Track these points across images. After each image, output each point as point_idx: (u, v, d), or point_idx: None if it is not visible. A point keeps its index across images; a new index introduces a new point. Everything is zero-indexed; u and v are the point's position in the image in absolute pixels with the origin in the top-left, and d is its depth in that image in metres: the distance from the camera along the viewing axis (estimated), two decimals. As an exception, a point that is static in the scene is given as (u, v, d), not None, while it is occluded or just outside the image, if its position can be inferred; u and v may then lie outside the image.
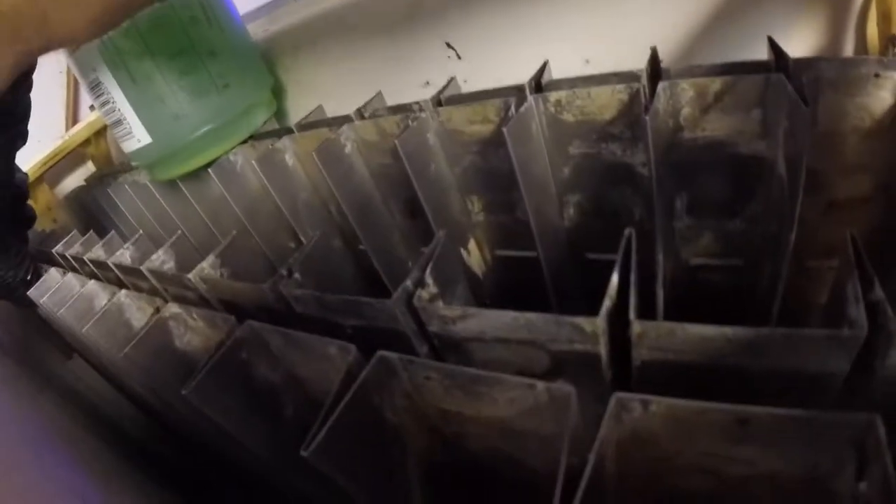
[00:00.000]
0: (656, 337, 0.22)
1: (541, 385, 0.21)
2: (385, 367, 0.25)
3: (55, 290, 0.55)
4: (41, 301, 0.55)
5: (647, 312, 0.23)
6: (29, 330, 0.84)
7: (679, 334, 0.21)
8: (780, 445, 0.19)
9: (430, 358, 0.29)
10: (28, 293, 0.58)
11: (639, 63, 0.31)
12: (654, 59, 0.31)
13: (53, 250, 0.65)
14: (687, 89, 0.29)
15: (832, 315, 0.25)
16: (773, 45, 0.29)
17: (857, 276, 0.21)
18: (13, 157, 0.50)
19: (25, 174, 0.59)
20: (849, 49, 0.41)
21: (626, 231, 0.26)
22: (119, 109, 0.47)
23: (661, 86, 0.28)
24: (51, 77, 0.97)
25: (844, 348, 0.20)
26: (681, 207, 0.33)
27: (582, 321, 0.22)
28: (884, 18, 0.37)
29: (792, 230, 0.26)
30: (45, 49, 0.35)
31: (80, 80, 0.49)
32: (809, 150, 0.24)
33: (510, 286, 0.40)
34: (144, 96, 0.46)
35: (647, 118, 0.27)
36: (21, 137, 0.47)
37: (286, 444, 0.33)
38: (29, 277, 0.62)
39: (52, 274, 0.60)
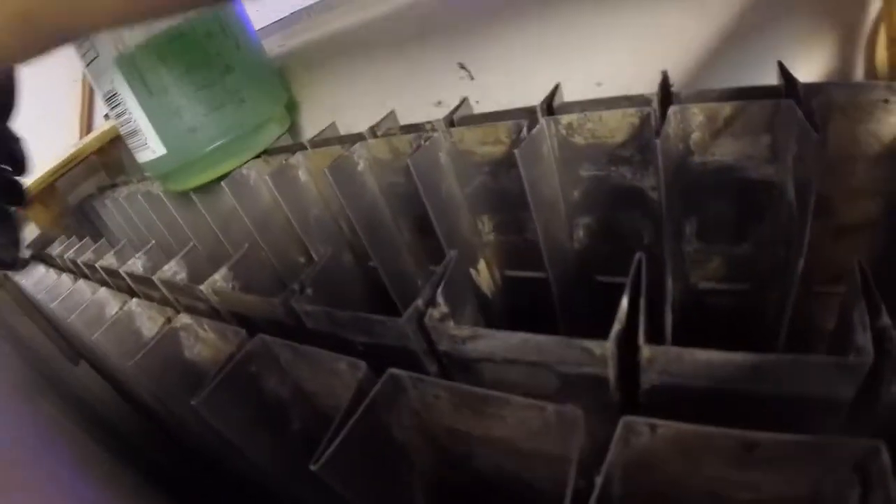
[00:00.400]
0: (665, 362, 0.22)
1: (550, 407, 0.21)
2: (395, 385, 0.26)
3: (66, 297, 0.55)
4: (51, 306, 0.56)
5: (655, 335, 0.23)
6: (37, 334, 0.85)
7: (687, 359, 0.21)
8: (786, 470, 0.19)
9: (438, 377, 0.30)
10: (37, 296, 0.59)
11: (650, 87, 0.32)
12: (664, 82, 0.32)
13: (65, 256, 0.66)
14: (697, 114, 0.29)
15: (839, 341, 0.25)
16: (783, 70, 0.29)
17: (864, 303, 0.21)
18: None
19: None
20: (858, 74, 0.41)
21: (637, 255, 0.26)
22: (135, 120, 0.48)
23: (671, 110, 0.29)
24: (66, 85, 0.98)
25: (851, 375, 0.20)
26: (690, 231, 0.33)
27: (591, 344, 0.22)
28: (892, 43, 0.37)
29: (801, 255, 0.26)
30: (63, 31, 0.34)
31: (97, 91, 0.49)
32: (819, 175, 0.24)
33: (519, 307, 0.41)
34: (160, 108, 0.47)
35: (658, 142, 0.27)
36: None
37: (292, 457, 0.33)
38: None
39: (63, 280, 0.60)
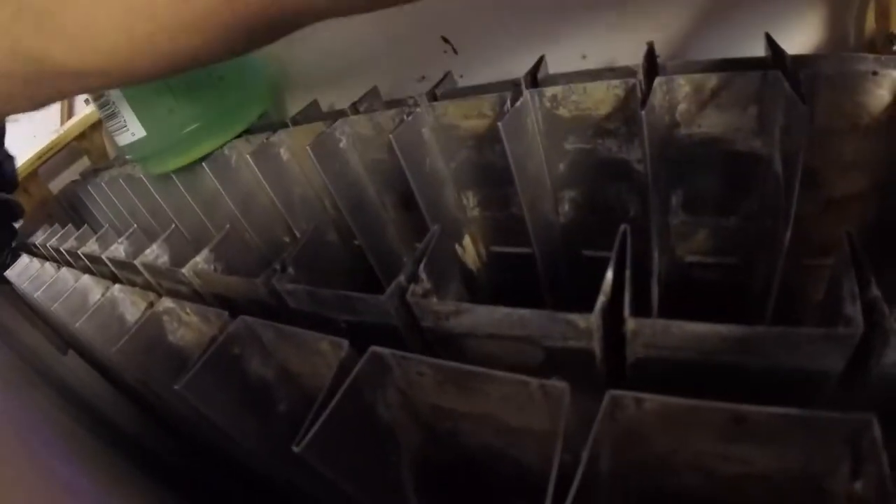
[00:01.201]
0: (651, 334, 0.21)
1: (534, 381, 0.21)
2: (378, 363, 0.25)
3: (49, 285, 0.54)
4: (35, 295, 0.55)
5: (641, 309, 0.22)
6: (24, 324, 0.84)
7: (674, 332, 0.21)
8: (775, 444, 0.19)
9: (422, 354, 0.29)
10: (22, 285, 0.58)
11: (635, 59, 0.31)
12: (650, 54, 0.31)
13: (48, 244, 0.65)
14: (683, 85, 0.28)
15: (828, 313, 0.25)
16: (771, 42, 0.29)
17: (853, 274, 0.21)
18: None
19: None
20: (847, 46, 0.41)
21: (622, 227, 0.25)
22: (113, 103, 0.47)
23: (657, 81, 0.28)
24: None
25: (840, 346, 0.20)
26: (676, 204, 0.33)
27: (576, 318, 0.22)
28: (882, 15, 0.37)
29: (788, 228, 0.25)
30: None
31: (75, 74, 0.49)
32: (806, 148, 0.24)
33: (505, 282, 0.40)
34: (138, 89, 0.46)
35: (643, 114, 0.27)
36: None
37: (279, 439, 0.33)
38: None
39: (47, 268, 0.60)
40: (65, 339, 0.83)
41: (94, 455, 0.50)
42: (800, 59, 0.26)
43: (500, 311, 0.24)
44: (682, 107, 0.29)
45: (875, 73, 0.25)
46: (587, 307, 0.23)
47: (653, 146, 0.28)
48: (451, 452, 0.29)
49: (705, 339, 0.21)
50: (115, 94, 0.46)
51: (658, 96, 0.29)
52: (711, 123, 0.29)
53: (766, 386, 0.22)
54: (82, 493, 0.40)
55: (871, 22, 0.39)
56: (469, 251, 0.39)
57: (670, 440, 0.21)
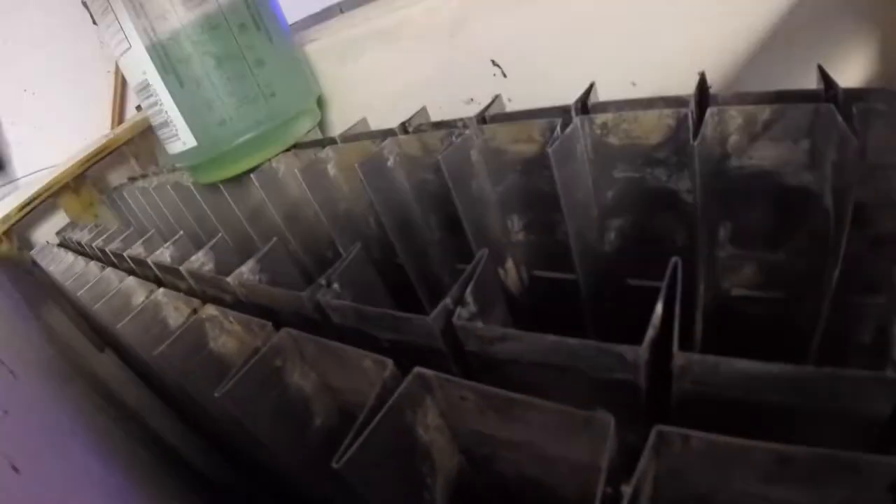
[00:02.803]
0: (699, 371, 0.21)
1: (579, 413, 0.21)
2: (421, 384, 0.25)
3: (93, 285, 0.56)
4: (78, 294, 0.56)
5: (684, 340, 0.22)
6: (63, 321, 0.86)
7: (723, 369, 0.21)
8: (818, 487, 0.19)
9: (465, 377, 0.29)
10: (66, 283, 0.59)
11: (685, 87, 0.31)
12: (702, 84, 0.31)
13: (94, 244, 0.66)
14: (735, 116, 0.28)
15: (877, 355, 0.24)
16: (823, 74, 0.28)
17: (904, 317, 0.21)
18: None
19: None
20: (897, 81, 0.40)
21: (672, 260, 0.25)
22: (166, 112, 0.48)
23: (709, 112, 0.28)
24: (99, 76, 1.00)
25: (888, 390, 0.19)
26: (724, 236, 0.32)
27: (624, 350, 0.22)
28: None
29: (837, 264, 0.25)
30: None
31: (129, 81, 0.50)
32: (857, 183, 0.24)
33: (547, 307, 0.40)
34: (192, 100, 0.47)
35: (695, 144, 0.27)
36: None
37: (315, 452, 0.33)
38: None
39: (91, 268, 0.61)
40: (103, 338, 0.84)
41: (125, 453, 0.51)
42: (852, 93, 0.26)
43: (548, 340, 0.24)
44: (733, 138, 0.29)
45: (929, 109, 0.24)
46: (630, 336, 0.22)
47: (703, 177, 0.28)
48: (487, 478, 0.29)
49: (753, 377, 0.21)
50: (167, 104, 0.47)
51: (710, 127, 0.28)
52: (762, 156, 0.29)
53: (811, 427, 0.22)
54: (113, 490, 0.40)
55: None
56: (511, 274, 0.39)
57: (713, 479, 0.20)
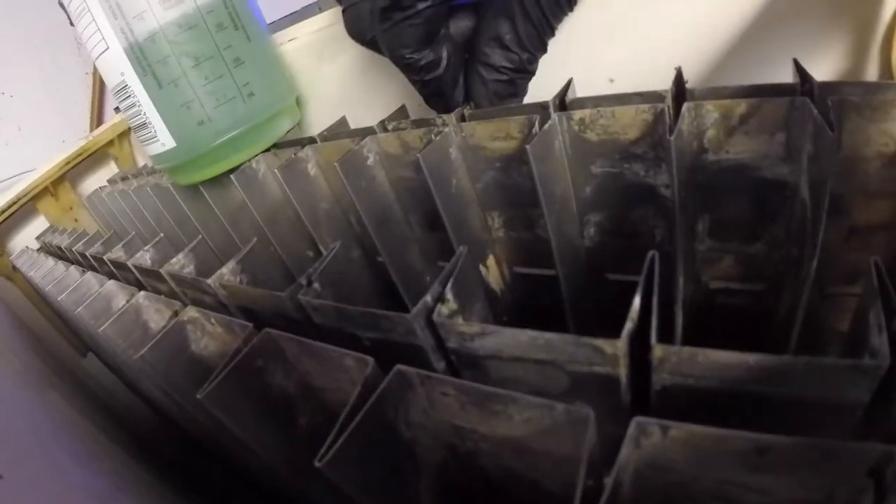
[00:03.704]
0: (677, 362, 0.21)
1: (559, 406, 0.21)
2: (402, 382, 0.25)
3: (73, 289, 0.55)
4: (59, 298, 0.56)
5: (664, 334, 0.22)
6: (45, 326, 0.85)
7: (700, 360, 0.21)
8: (798, 475, 0.19)
9: (446, 373, 0.29)
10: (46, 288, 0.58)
11: (663, 83, 0.31)
12: (678, 79, 0.31)
13: (74, 249, 0.66)
14: (712, 111, 0.29)
15: (854, 343, 0.25)
16: (799, 68, 0.29)
17: (880, 304, 0.21)
18: None
19: None
20: (872, 73, 0.40)
21: (650, 253, 0.25)
22: (144, 113, 0.48)
23: (685, 106, 0.28)
24: (77, 78, 0.99)
25: (866, 378, 0.19)
26: (702, 230, 0.33)
27: (603, 343, 0.22)
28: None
29: (814, 255, 0.25)
30: None
31: (107, 83, 0.49)
32: (833, 175, 0.24)
33: (528, 304, 0.40)
34: (170, 101, 0.47)
35: (672, 139, 0.27)
36: None
37: (299, 452, 0.33)
38: None
39: (72, 272, 0.61)
40: (85, 343, 0.84)
41: (110, 458, 0.50)
42: (827, 86, 0.27)
43: (526, 335, 0.24)
44: (710, 132, 0.29)
45: (903, 101, 0.25)
46: (610, 330, 0.23)
47: (680, 171, 0.28)
48: (471, 473, 0.29)
49: (731, 367, 0.21)
50: (146, 105, 0.47)
51: (686, 121, 0.29)
52: (739, 150, 0.29)
53: (790, 416, 0.22)
54: (97, 496, 0.40)
55: (896, 49, 0.38)
56: (493, 272, 0.39)
57: (693, 469, 0.20)
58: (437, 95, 0.42)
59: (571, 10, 0.39)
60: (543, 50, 0.40)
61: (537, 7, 0.37)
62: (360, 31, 0.42)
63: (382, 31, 0.39)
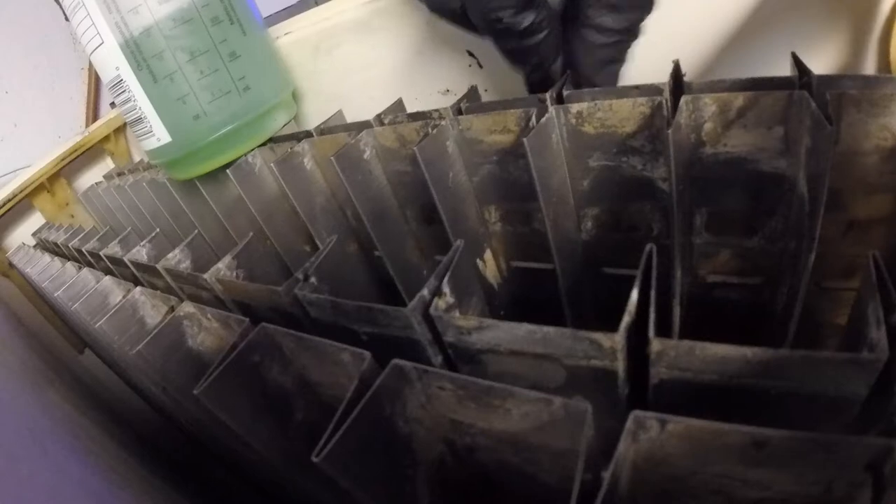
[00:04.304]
0: (675, 355, 0.21)
1: (557, 400, 0.21)
2: (399, 376, 0.25)
3: (70, 285, 0.55)
4: (56, 294, 0.55)
5: (662, 327, 0.22)
6: (42, 322, 0.85)
7: (698, 353, 0.21)
8: (796, 468, 0.19)
9: (444, 368, 0.29)
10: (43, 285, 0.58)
11: (661, 76, 0.31)
12: (676, 72, 0.31)
13: (70, 245, 0.66)
14: (710, 104, 0.28)
15: (852, 337, 0.25)
16: (797, 61, 0.29)
17: (878, 298, 0.21)
18: None
19: None
20: (871, 66, 0.40)
21: (647, 247, 0.25)
22: (139, 108, 0.48)
23: (683, 100, 0.28)
24: (72, 73, 0.98)
25: (864, 371, 0.19)
26: (700, 223, 0.32)
27: (600, 337, 0.22)
28: (907, 36, 0.37)
29: (812, 249, 0.25)
30: None
31: (102, 78, 0.49)
32: (831, 169, 0.24)
33: (525, 297, 0.40)
34: (165, 96, 0.47)
35: (670, 132, 0.27)
36: None
37: (296, 447, 0.33)
38: None
39: (68, 268, 0.60)
40: (82, 339, 0.84)
41: (107, 454, 0.50)
42: (825, 80, 0.26)
43: (523, 328, 0.24)
44: (707, 126, 0.29)
45: (901, 95, 0.25)
46: (608, 324, 0.23)
47: (678, 165, 0.28)
48: (469, 468, 0.29)
49: (729, 361, 0.21)
50: (141, 99, 0.47)
51: (684, 115, 0.29)
52: (737, 143, 0.29)
53: (788, 409, 0.22)
54: (95, 493, 0.40)
55: (895, 42, 0.38)
56: (490, 265, 0.39)
57: (691, 462, 0.20)
58: (537, 66, 0.38)
59: None
60: (651, 8, 0.37)
61: None
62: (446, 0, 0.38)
63: None
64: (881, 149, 0.26)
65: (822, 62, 0.41)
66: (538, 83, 0.39)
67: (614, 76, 0.39)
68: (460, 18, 0.39)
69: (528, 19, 0.35)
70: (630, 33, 0.37)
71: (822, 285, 0.31)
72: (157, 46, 0.45)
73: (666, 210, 0.33)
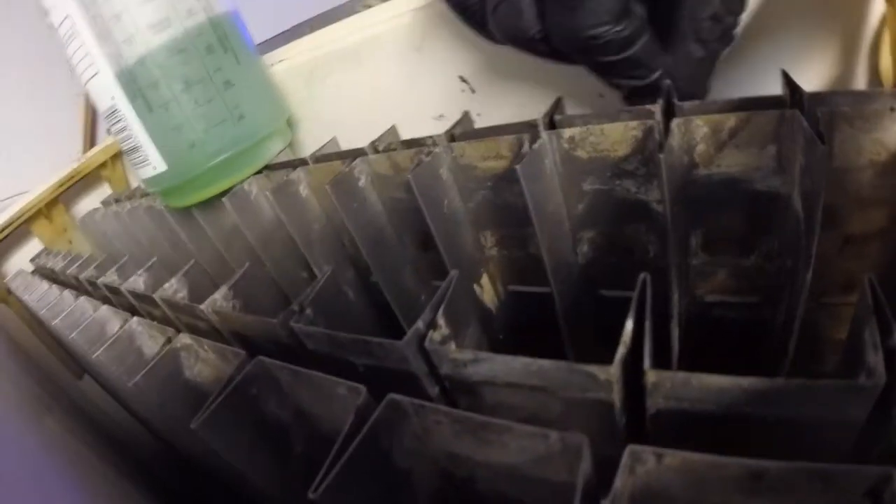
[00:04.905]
0: (671, 386, 0.21)
1: (553, 434, 0.21)
2: (395, 410, 0.25)
3: (68, 313, 0.55)
4: (54, 323, 0.55)
5: (661, 350, 0.22)
6: (40, 349, 0.85)
7: (694, 384, 0.21)
8: (795, 498, 0.19)
9: (441, 399, 0.29)
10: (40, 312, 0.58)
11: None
12: (667, 94, 0.31)
13: (68, 272, 0.66)
14: (701, 125, 0.28)
15: (849, 360, 0.24)
16: (787, 79, 0.29)
17: (875, 322, 0.21)
18: None
19: None
20: (861, 81, 0.40)
21: (641, 276, 0.25)
22: (135, 136, 0.48)
23: (675, 122, 0.28)
24: (69, 99, 0.99)
25: (862, 397, 0.19)
26: (696, 244, 0.32)
27: (595, 370, 0.22)
28: (897, 50, 0.37)
29: (809, 266, 0.25)
30: None
31: (98, 107, 0.49)
32: (826, 186, 0.24)
33: (523, 321, 0.40)
34: (160, 125, 0.47)
35: (662, 155, 0.27)
36: None
37: (294, 480, 0.33)
38: None
39: (66, 296, 0.60)
40: (81, 365, 0.83)
41: (105, 482, 0.50)
42: (816, 97, 0.26)
43: (519, 361, 0.24)
44: (700, 147, 0.29)
45: (893, 109, 0.25)
46: (606, 348, 0.22)
47: (671, 187, 0.28)
48: (467, 500, 0.29)
49: (726, 391, 0.21)
50: (136, 128, 0.47)
51: (676, 137, 0.29)
52: (730, 163, 0.29)
53: (787, 436, 0.22)
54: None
55: (885, 56, 0.38)
56: (487, 290, 0.38)
57: (689, 494, 0.20)
58: (640, 76, 0.35)
59: None
60: (744, 9, 0.34)
61: None
62: (523, 27, 0.35)
63: (567, 8, 0.32)
64: (875, 163, 0.26)
65: (811, 77, 0.41)
66: (645, 95, 0.36)
67: (707, 87, 0.37)
68: (538, 45, 0.36)
69: (627, 28, 0.33)
70: (726, 40, 0.34)
71: (820, 301, 0.31)
72: (151, 76, 0.45)
73: (662, 232, 0.33)
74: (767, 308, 0.33)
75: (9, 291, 0.83)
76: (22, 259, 0.87)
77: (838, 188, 0.27)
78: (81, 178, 0.84)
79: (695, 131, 0.29)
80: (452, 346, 0.29)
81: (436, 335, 0.27)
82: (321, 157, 0.44)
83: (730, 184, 0.30)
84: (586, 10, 0.32)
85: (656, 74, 0.34)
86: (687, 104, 0.31)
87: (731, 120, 0.28)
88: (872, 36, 0.39)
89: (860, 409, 0.20)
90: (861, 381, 0.19)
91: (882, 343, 0.20)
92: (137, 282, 0.51)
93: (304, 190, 0.44)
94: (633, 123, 0.30)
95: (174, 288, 0.45)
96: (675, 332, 0.31)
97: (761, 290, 0.33)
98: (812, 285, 0.26)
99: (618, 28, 0.32)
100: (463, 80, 0.49)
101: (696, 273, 0.33)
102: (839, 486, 0.17)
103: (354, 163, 0.38)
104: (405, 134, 0.42)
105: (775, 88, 0.29)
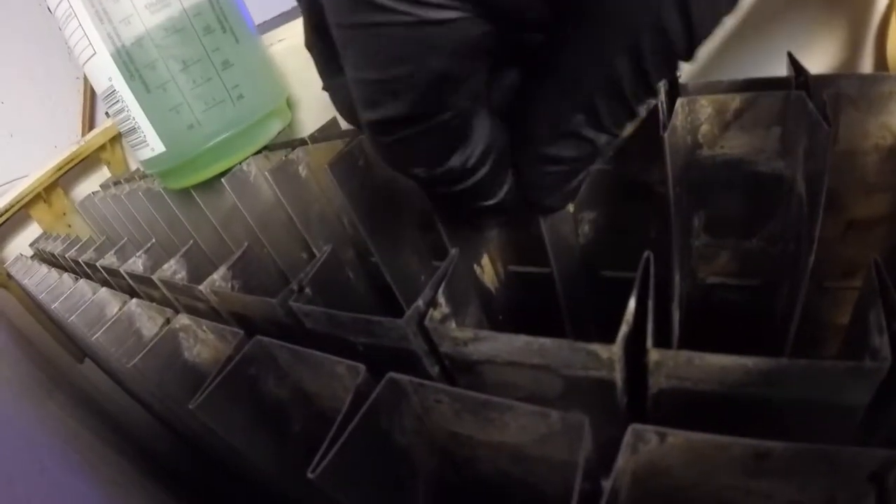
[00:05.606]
0: (674, 366, 0.21)
1: (554, 413, 0.21)
2: (395, 390, 0.25)
3: (67, 296, 0.55)
4: (53, 306, 0.55)
5: (662, 331, 0.22)
6: (41, 333, 0.85)
7: (697, 363, 0.21)
8: (798, 479, 0.18)
9: (441, 378, 0.29)
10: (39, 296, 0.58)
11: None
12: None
13: (67, 255, 0.65)
14: (706, 106, 0.28)
15: (853, 343, 0.24)
16: (793, 61, 0.28)
17: (880, 305, 0.21)
18: None
19: None
20: (868, 65, 0.40)
21: (645, 254, 0.25)
22: (133, 118, 0.47)
23: (679, 102, 0.28)
24: (67, 83, 0.98)
25: (866, 380, 0.19)
26: (698, 226, 0.32)
27: (597, 348, 0.22)
28: (905, 33, 0.36)
29: (811, 250, 0.25)
30: None
31: (96, 88, 0.49)
32: (829, 169, 0.24)
33: (523, 302, 0.40)
34: (158, 105, 0.46)
35: (665, 135, 0.27)
36: None
37: (293, 460, 0.33)
38: None
39: (65, 279, 0.60)
40: (81, 349, 0.83)
41: (107, 465, 0.50)
42: (822, 79, 0.26)
43: (520, 340, 0.23)
44: (704, 128, 0.29)
45: (898, 93, 0.24)
46: (606, 328, 0.22)
47: (674, 168, 0.28)
48: (468, 479, 0.29)
49: (729, 371, 0.21)
50: (134, 110, 0.47)
51: (680, 117, 0.28)
52: (734, 145, 0.29)
53: (790, 418, 0.22)
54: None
55: (892, 40, 0.38)
56: (488, 271, 0.38)
57: (692, 474, 0.20)
58: (476, 212, 0.28)
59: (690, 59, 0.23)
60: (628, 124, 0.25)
61: (636, 72, 0.21)
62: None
63: (383, 144, 0.25)
64: (880, 148, 0.26)
65: (818, 61, 0.40)
66: (477, 225, 0.32)
67: (573, 194, 0.29)
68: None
69: (461, 160, 0.24)
70: (594, 157, 0.26)
71: (822, 285, 0.31)
72: (149, 56, 0.45)
73: (663, 213, 0.32)
74: (769, 291, 0.32)
75: (9, 276, 0.83)
76: (21, 244, 0.87)
77: (842, 172, 0.27)
78: (80, 161, 0.84)
79: (699, 111, 0.28)
80: (452, 324, 0.29)
81: (436, 314, 0.27)
82: (321, 137, 0.44)
83: (733, 165, 0.29)
84: (402, 149, 0.25)
85: (503, 200, 0.27)
86: (692, 84, 0.30)
87: (736, 101, 0.27)
88: (879, 20, 0.38)
89: (863, 392, 0.20)
90: (866, 363, 0.19)
91: (887, 326, 0.20)
92: (136, 264, 0.51)
93: (303, 170, 0.43)
94: (637, 102, 0.29)
95: (173, 269, 0.45)
96: (676, 315, 0.30)
97: (763, 273, 0.32)
98: (814, 269, 0.26)
99: (444, 167, 0.25)
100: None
101: (698, 255, 0.33)
102: (843, 468, 0.17)
103: (354, 142, 0.38)
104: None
105: (781, 72, 0.29)
